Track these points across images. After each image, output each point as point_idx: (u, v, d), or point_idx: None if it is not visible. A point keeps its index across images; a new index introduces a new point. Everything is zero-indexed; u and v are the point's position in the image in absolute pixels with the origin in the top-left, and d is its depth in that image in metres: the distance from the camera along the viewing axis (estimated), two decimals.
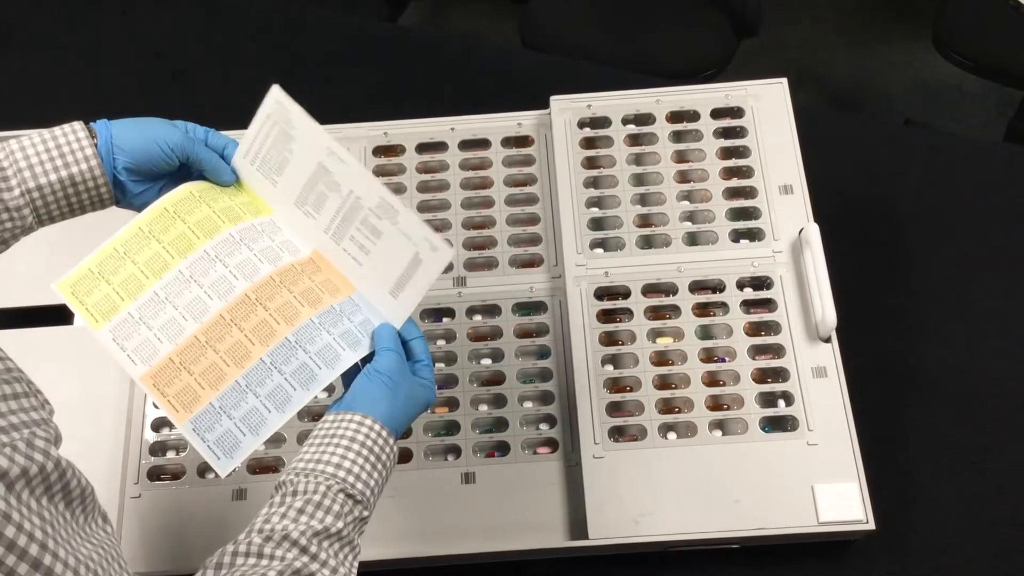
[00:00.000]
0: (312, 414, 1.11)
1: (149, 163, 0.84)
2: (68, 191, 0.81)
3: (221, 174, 0.89)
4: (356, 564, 0.77)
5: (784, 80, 1.23)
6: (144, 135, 0.84)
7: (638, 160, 1.20)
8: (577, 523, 1.03)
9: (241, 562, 0.72)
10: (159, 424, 1.10)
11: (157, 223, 0.86)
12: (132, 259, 0.85)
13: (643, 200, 1.18)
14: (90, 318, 0.84)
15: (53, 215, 0.83)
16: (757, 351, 1.10)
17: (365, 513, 0.78)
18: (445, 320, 1.14)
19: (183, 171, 0.89)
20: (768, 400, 1.08)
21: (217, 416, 0.81)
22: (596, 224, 1.17)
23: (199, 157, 0.87)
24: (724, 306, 1.12)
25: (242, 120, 1.25)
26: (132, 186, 0.85)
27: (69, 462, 0.63)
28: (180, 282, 0.84)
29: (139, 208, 0.87)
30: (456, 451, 1.08)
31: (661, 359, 1.10)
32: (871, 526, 1.00)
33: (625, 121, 1.22)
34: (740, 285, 1.13)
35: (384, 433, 0.81)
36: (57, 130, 0.82)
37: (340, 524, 0.75)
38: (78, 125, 0.82)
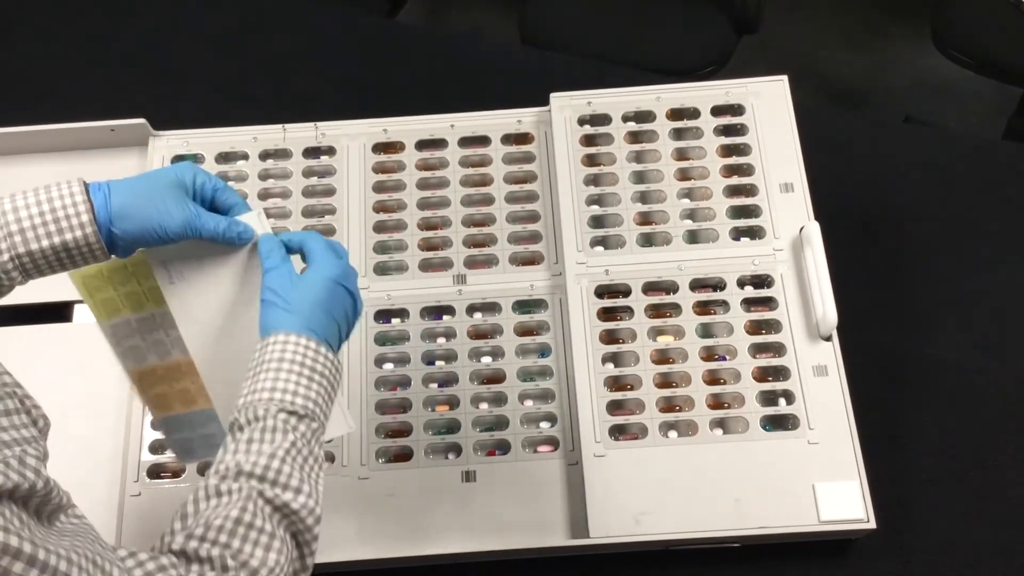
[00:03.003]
0: None
1: (147, 244, 0.81)
2: (61, 255, 0.78)
3: (230, 243, 0.85)
4: (321, 474, 0.76)
5: (785, 78, 1.23)
6: (144, 221, 0.79)
7: (638, 158, 1.20)
8: (578, 522, 1.03)
9: (204, 507, 0.71)
10: None
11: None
12: (138, 280, 0.88)
13: (643, 198, 1.18)
14: (97, 311, 0.89)
15: (43, 272, 0.80)
16: (758, 349, 1.09)
17: (314, 425, 0.77)
18: (445, 318, 1.14)
19: None
20: (769, 399, 1.08)
21: (183, 424, 0.92)
22: (596, 222, 1.17)
23: (206, 234, 0.82)
24: (725, 304, 1.12)
25: (241, 118, 1.26)
26: (123, 252, 0.82)
27: (55, 481, 0.63)
28: (172, 319, 0.86)
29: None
30: (457, 449, 1.08)
31: (662, 357, 1.10)
32: (872, 525, 1.00)
33: (625, 118, 1.22)
34: (741, 283, 1.13)
35: (312, 344, 0.78)
36: (54, 191, 0.77)
37: (290, 439, 0.74)
38: (76, 188, 0.78)
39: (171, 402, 0.90)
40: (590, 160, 1.20)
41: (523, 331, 1.13)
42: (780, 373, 1.08)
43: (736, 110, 1.22)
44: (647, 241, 1.16)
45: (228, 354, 0.86)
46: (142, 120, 1.21)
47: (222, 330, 0.87)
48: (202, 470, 1.07)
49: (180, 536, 0.70)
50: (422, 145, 1.24)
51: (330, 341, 0.81)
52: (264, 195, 1.21)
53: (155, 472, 1.08)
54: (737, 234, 1.16)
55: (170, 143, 1.23)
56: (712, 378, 1.09)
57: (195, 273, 0.86)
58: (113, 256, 0.83)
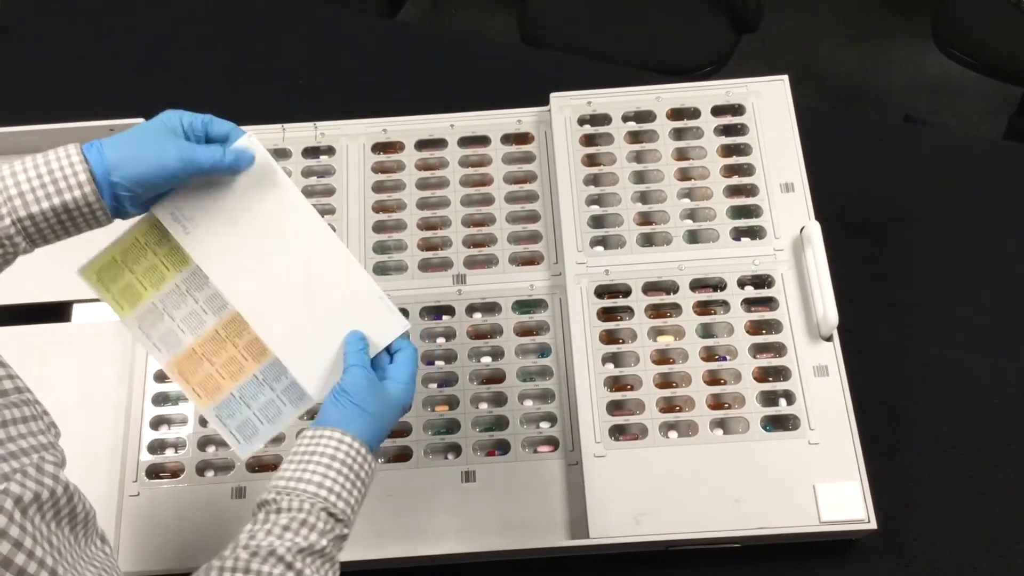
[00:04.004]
0: (313, 413, 1.11)
1: (149, 190, 0.81)
2: (62, 217, 0.78)
3: (231, 172, 0.85)
4: None
5: (785, 77, 1.22)
6: (142, 163, 0.79)
7: (638, 157, 1.20)
8: (578, 522, 1.03)
9: None
10: (158, 422, 1.10)
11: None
12: (152, 250, 0.87)
13: (644, 198, 1.18)
14: (116, 306, 0.88)
15: (47, 238, 0.80)
16: (758, 350, 1.09)
17: (345, 531, 0.79)
18: (445, 318, 1.14)
19: None
20: (769, 399, 1.08)
21: (237, 405, 0.89)
22: (596, 222, 1.17)
23: (202, 171, 0.82)
24: (725, 304, 1.12)
25: (240, 117, 1.25)
26: (131, 206, 0.82)
27: (75, 486, 0.63)
28: (199, 277, 0.87)
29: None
30: (456, 449, 1.08)
31: (662, 357, 1.10)
32: (872, 525, 0.99)
33: (625, 118, 1.22)
34: (741, 283, 1.13)
35: (363, 451, 0.81)
36: (51, 154, 0.78)
37: (324, 542, 0.76)
38: (72, 149, 0.78)
39: (219, 381, 0.89)
40: (590, 160, 1.20)
41: (523, 331, 1.13)
42: (780, 373, 1.08)
43: (736, 110, 1.22)
44: (647, 241, 1.16)
45: (266, 283, 0.87)
46: (140, 120, 1.20)
47: (252, 263, 0.87)
48: (201, 470, 1.07)
49: None
50: (422, 145, 1.24)
51: (375, 450, 0.84)
52: None
53: (154, 472, 1.07)
54: (737, 234, 1.15)
55: None
56: (712, 378, 1.08)
57: (206, 215, 0.85)
58: (117, 219, 0.82)
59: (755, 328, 1.11)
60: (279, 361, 0.88)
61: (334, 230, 1.18)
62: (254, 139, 0.85)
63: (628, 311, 1.12)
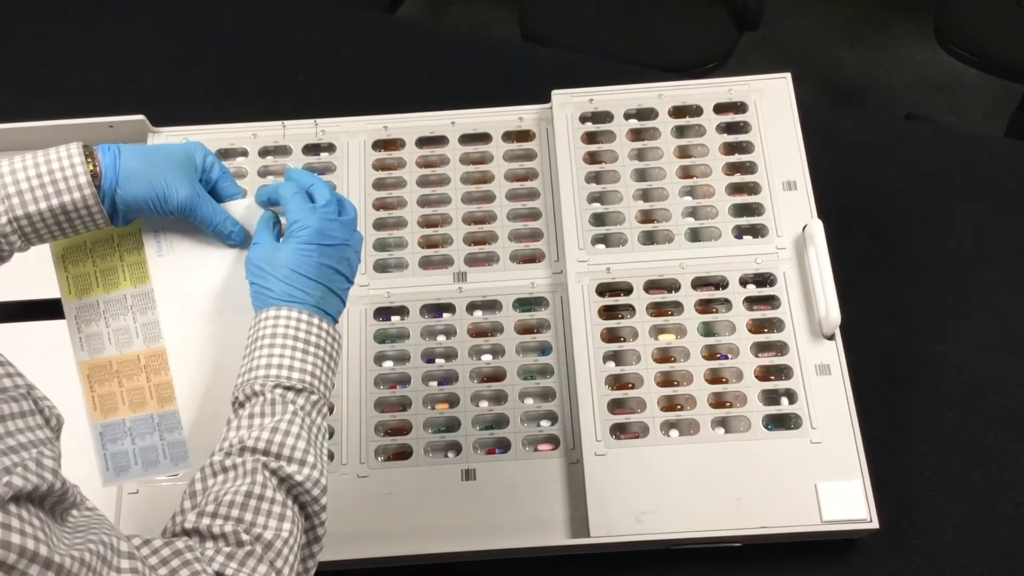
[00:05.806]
0: None
1: (148, 214, 0.81)
2: (59, 218, 0.78)
3: (219, 238, 0.85)
4: (324, 445, 0.77)
5: (788, 75, 1.22)
6: (148, 186, 0.79)
7: (640, 155, 1.19)
8: (578, 521, 1.02)
9: (211, 483, 0.72)
10: None
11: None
12: (120, 254, 0.86)
13: (645, 196, 1.17)
14: (65, 287, 0.87)
15: (43, 237, 0.79)
16: (760, 348, 1.09)
17: (313, 397, 0.77)
18: (445, 315, 1.13)
19: None
20: (771, 398, 1.07)
21: (124, 434, 0.87)
22: (598, 220, 1.16)
23: (201, 221, 0.82)
24: (727, 303, 1.11)
25: (241, 115, 1.25)
26: (122, 221, 0.81)
27: (69, 481, 0.62)
28: (148, 300, 0.86)
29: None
30: (456, 448, 1.07)
31: (663, 356, 1.09)
32: (875, 525, 0.99)
33: (627, 116, 1.21)
34: (743, 282, 1.12)
35: (304, 316, 0.78)
36: (52, 152, 0.77)
37: (288, 415, 0.74)
38: (74, 149, 0.77)
39: (117, 404, 0.87)
40: (592, 157, 1.20)
41: (524, 329, 1.13)
42: (782, 372, 1.08)
43: (739, 107, 1.21)
44: (649, 239, 1.15)
45: (203, 340, 0.85)
46: (141, 116, 1.20)
47: (201, 317, 0.85)
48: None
49: (192, 515, 0.70)
50: (422, 142, 1.23)
51: (323, 308, 0.80)
52: None
53: None
54: (740, 232, 1.15)
55: (169, 140, 1.22)
56: (714, 377, 1.08)
57: (187, 249, 0.85)
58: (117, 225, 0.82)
59: (757, 327, 1.10)
60: (178, 415, 0.86)
61: None
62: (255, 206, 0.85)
63: (629, 309, 1.11)
